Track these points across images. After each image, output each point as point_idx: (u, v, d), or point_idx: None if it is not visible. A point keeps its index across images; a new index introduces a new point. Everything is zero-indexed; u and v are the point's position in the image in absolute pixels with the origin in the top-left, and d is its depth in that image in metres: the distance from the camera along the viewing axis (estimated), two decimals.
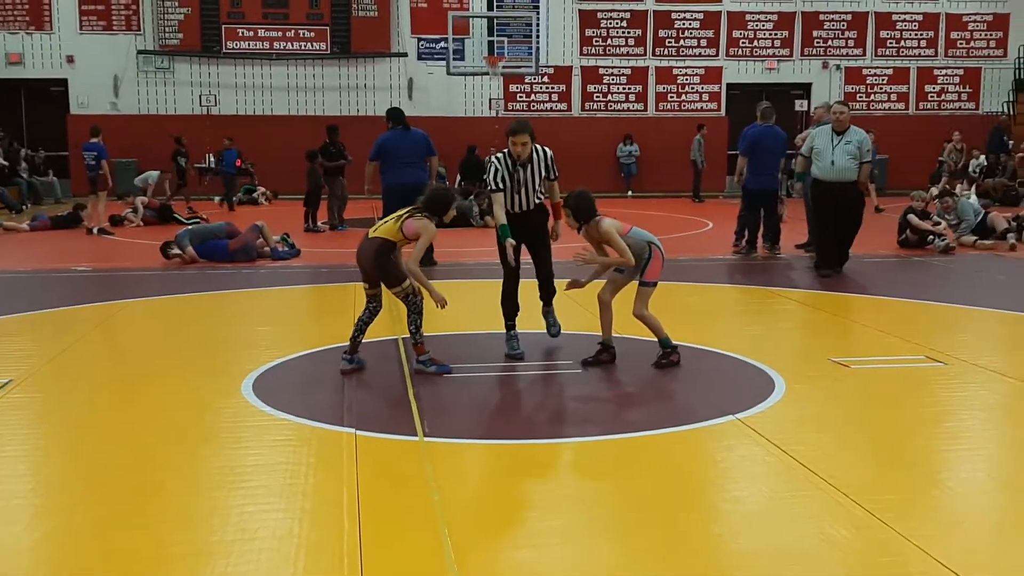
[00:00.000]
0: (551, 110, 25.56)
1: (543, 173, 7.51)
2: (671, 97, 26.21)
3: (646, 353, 7.29)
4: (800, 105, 25.30)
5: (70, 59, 24.13)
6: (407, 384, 6.26)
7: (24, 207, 20.52)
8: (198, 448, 5.12)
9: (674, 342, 6.80)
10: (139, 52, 24.22)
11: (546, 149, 7.57)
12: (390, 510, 4.21)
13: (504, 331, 7.34)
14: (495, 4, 24.24)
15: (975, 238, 13.74)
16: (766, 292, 10.21)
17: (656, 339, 6.83)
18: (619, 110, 26.03)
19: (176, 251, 12.22)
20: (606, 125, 25.65)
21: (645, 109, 26.15)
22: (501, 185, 7.33)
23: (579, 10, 25.64)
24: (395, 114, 12.11)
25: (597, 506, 4.33)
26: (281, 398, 5.89)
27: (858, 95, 26.69)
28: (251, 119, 24.54)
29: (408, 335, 6.63)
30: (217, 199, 21.55)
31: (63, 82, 24.26)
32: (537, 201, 7.64)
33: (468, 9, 24.96)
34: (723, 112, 26.17)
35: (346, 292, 9.89)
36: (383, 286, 6.59)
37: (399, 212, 6.57)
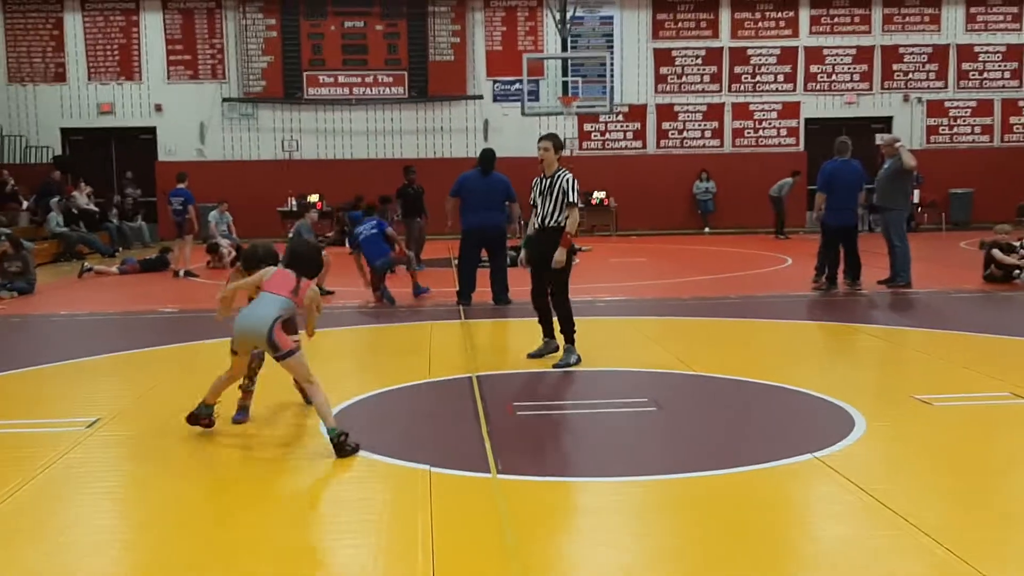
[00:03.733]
0: (626, 148, 25.58)
1: (562, 194, 7.98)
2: (748, 133, 26.07)
3: (722, 391, 7.24)
4: (881, 139, 24.92)
5: (158, 107, 24.96)
6: (481, 421, 6.30)
7: (115, 252, 21.18)
8: (278, 484, 5.22)
9: (340, 430, 5.55)
10: (224, 100, 24.95)
11: (570, 174, 8.09)
12: (464, 546, 4.23)
13: None
14: (569, 45, 24.42)
15: None
16: (847, 328, 10.04)
17: None
18: (695, 147, 25.95)
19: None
20: (682, 162, 25.57)
21: (721, 145, 26.03)
22: (531, 202, 8.28)
23: (654, 49, 25.72)
24: (482, 155, 12.23)
25: (671, 545, 4.29)
26: (358, 435, 5.97)
27: (940, 128, 26.25)
28: (331, 163, 25.04)
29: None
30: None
31: (152, 130, 25.09)
32: (554, 224, 8.05)
33: (543, 51, 25.20)
34: (801, 147, 25.93)
35: (422, 331, 10.00)
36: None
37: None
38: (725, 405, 6.90)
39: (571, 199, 7.94)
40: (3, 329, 11.14)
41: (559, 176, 8.04)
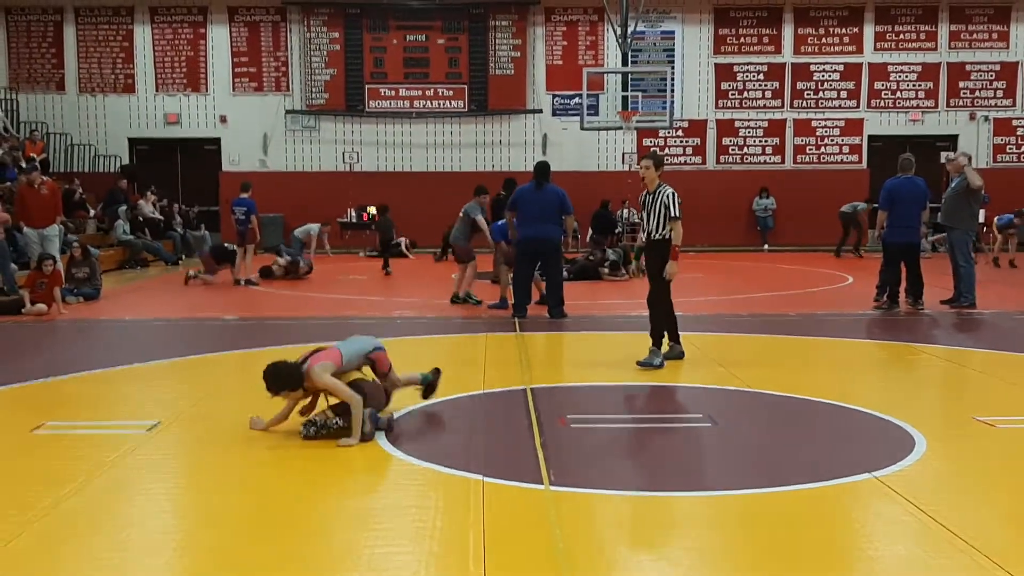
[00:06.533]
0: (685, 163, 25.47)
1: (664, 208, 8.54)
2: (810, 150, 25.81)
3: (779, 408, 7.16)
4: (946, 157, 24.50)
5: (223, 119, 25.41)
6: (534, 433, 6.29)
7: (179, 260, 21.55)
8: (333, 490, 5.27)
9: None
10: (287, 112, 25.33)
11: (671, 189, 8.65)
12: (515, 556, 4.23)
13: None
14: (630, 59, 24.40)
15: None
16: (908, 348, 9.88)
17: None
18: (755, 163, 25.76)
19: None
20: (742, 178, 25.40)
21: (782, 162, 25.80)
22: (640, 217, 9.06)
23: (715, 64, 25.60)
24: (537, 168, 12.24)
25: (724, 561, 4.25)
26: (413, 444, 6.01)
27: (1008, 147, 25.77)
28: (392, 175, 25.27)
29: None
30: (361, 253, 22.22)
31: (216, 140, 25.54)
32: (658, 236, 8.65)
33: (603, 65, 25.21)
34: (864, 164, 25.60)
35: (476, 342, 10.03)
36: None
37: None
38: (782, 422, 6.82)
39: (673, 213, 8.55)
40: (70, 333, 11.39)
41: (660, 192, 8.66)
